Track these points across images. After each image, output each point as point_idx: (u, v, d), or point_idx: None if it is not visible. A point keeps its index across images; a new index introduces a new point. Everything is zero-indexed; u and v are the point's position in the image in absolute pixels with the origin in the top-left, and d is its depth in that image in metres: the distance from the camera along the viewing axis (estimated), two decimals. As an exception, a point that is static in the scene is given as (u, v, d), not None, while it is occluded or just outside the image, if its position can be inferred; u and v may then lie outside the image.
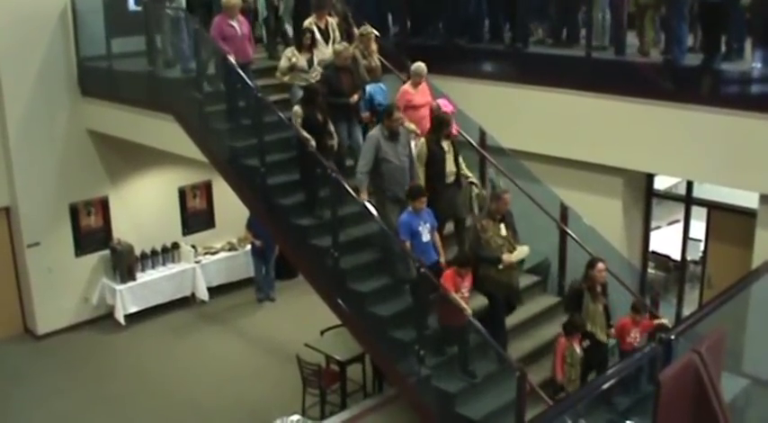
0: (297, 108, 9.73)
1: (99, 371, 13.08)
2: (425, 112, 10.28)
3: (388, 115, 9.23)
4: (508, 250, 8.63)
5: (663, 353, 3.65)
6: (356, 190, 9.19)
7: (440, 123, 9.46)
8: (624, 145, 9.99)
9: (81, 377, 12.87)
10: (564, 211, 9.97)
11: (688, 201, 10.97)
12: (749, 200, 9.80)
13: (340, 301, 9.41)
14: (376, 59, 11.02)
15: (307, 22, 10.91)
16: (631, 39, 10.51)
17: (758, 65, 9.14)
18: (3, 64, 12.82)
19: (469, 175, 9.72)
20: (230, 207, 13.70)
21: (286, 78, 10.56)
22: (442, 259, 8.94)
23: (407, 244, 8.62)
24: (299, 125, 9.62)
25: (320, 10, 10.99)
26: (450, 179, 9.42)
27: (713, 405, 3.70)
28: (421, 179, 9.29)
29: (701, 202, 10.91)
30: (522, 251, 8.77)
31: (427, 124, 10.17)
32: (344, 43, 10.65)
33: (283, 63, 10.53)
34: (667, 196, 12.05)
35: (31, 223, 13.64)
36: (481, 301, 8.83)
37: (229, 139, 10.70)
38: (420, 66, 10.32)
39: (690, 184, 10.88)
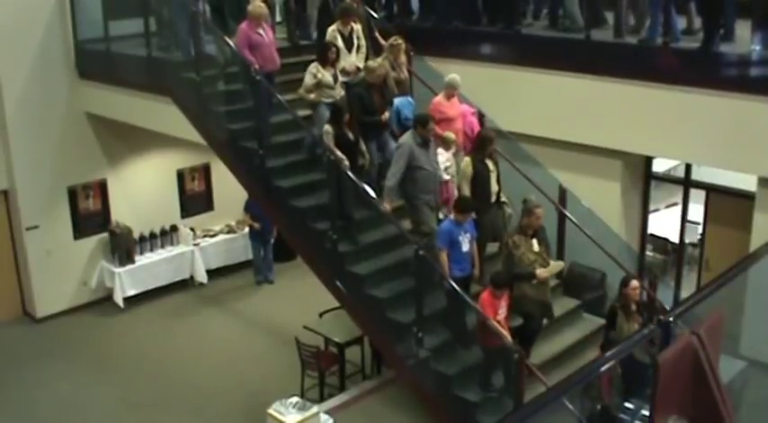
0: (328, 127, 9.44)
1: (98, 353, 13.11)
2: (459, 124, 10.08)
3: (423, 124, 9.02)
4: (541, 266, 8.48)
5: (661, 335, 3.66)
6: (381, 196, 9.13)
7: (483, 141, 9.30)
8: (623, 127, 9.99)
9: (80, 360, 12.90)
10: (563, 193, 9.98)
11: (686, 183, 10.99)
12: (747, 183, 9.82)
13: (338, 284, 9.43)
14: (405, 71, 10.76)
15: (330, 29, 10.52)
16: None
17: (757, 47, 9.12)
18: (0, 46, 12.77)
19: (504, 198, 9.55)
20: (229, 190, 13.72)
21: (312, 96, 10.06)
22: (477, 271, 8.85)
23: (444, 253, 8.47)
24: (333, 144, 9.33)
25: (345, 16, 10.56)
26: (494, 199, 9.33)
27: (711, 386, 3.71)
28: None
29: (700, 185, 10.93)
30: (556, 266, 8.64)
31: (461, 137, 10.04)
32: (378, 60, 10.31)
33: (308, 80, 10.01)
34: (666, 179, 12.06)
35: (30, 206, 13.63)
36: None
37: (228, 121, 10.69)
38: (455, 78, 10.01)
39: (688, 167, 10.90)
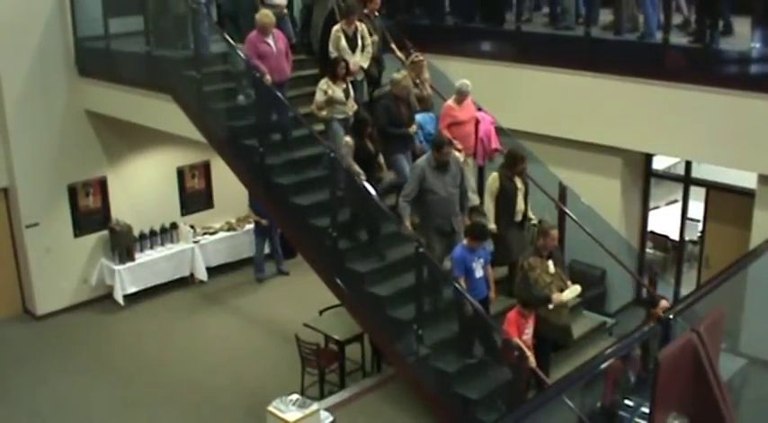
0: (348, 139, 9.32)
1: (98, 351, 13.10)
2: (470, 128, 10.03)
3: (437, 148, 8.84)
4: (558, 288, 8.36)
5: (662, 332, 3.66)
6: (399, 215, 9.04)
7: (514, 159, 9.18)
8: (623, 125, 9.99)
9: (80, 357, 12.90)
10: (563, 191, 9.98)
11: (686, 181, 10.99)
12: (747, 180, 9.82)
13: (339, 281, 9.43)
14: (428, 88, 10.67)
15: (335, 29, 10.43)
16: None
17: (757, 44, 9.13)
18: (0, 44, 12.76)
19: (532, 216, 9.41)
20: (229, 187, 13.71)
21: (323, 113, 9.99)
22: (493, 294, 8.76)
23: (462, 280, 8.37)
24: (351, 156, 9.22)
25: (349, 15, 10.45)
26: (518, 218, 9.21)
27: (711, 384, 3.72)
28: (490, 214, 9.11)
29: (700, 182, 10.93)
30: (573, 290, 8.46)
31: (472, 141, 9.98)
32: (403, 72, 10.22)
33: (319, 97, 9.93)
34: (666, 176, 12.06)
35: (30, 204, 13.61)
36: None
37: (228, 119, 10.68)
38: (465, 83, 9.98)
39: (688, 164, 10.90)
